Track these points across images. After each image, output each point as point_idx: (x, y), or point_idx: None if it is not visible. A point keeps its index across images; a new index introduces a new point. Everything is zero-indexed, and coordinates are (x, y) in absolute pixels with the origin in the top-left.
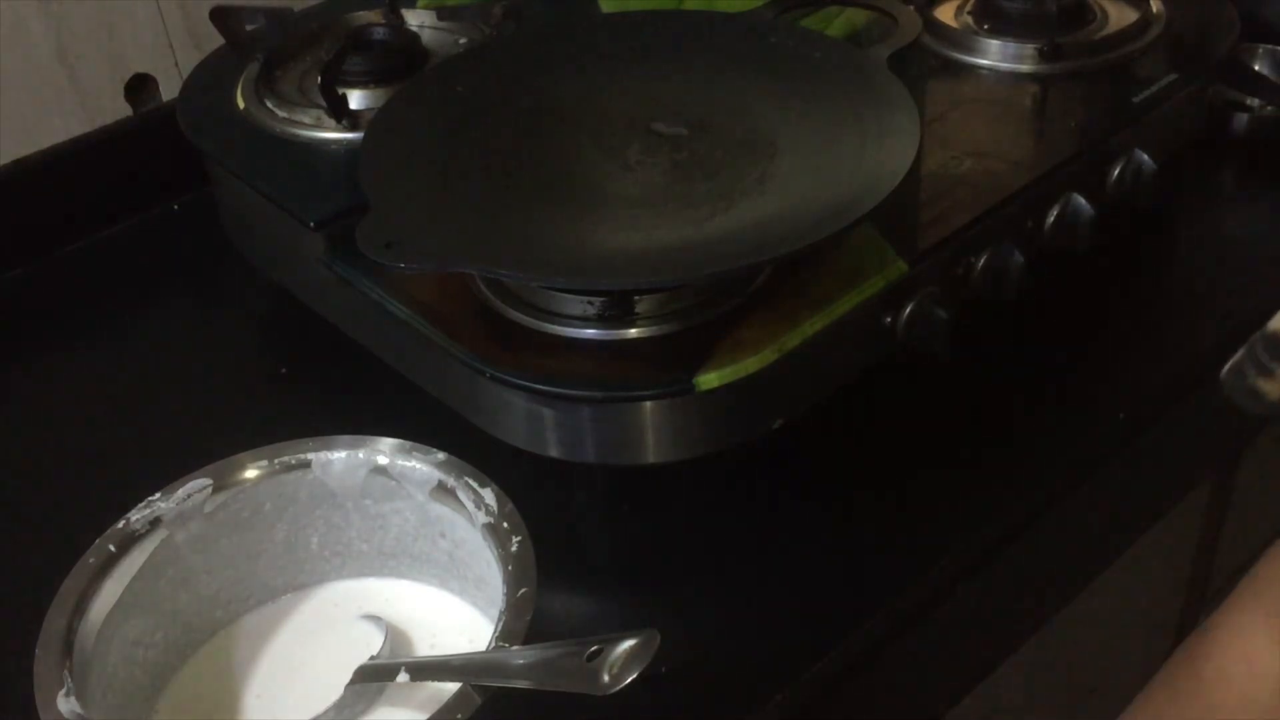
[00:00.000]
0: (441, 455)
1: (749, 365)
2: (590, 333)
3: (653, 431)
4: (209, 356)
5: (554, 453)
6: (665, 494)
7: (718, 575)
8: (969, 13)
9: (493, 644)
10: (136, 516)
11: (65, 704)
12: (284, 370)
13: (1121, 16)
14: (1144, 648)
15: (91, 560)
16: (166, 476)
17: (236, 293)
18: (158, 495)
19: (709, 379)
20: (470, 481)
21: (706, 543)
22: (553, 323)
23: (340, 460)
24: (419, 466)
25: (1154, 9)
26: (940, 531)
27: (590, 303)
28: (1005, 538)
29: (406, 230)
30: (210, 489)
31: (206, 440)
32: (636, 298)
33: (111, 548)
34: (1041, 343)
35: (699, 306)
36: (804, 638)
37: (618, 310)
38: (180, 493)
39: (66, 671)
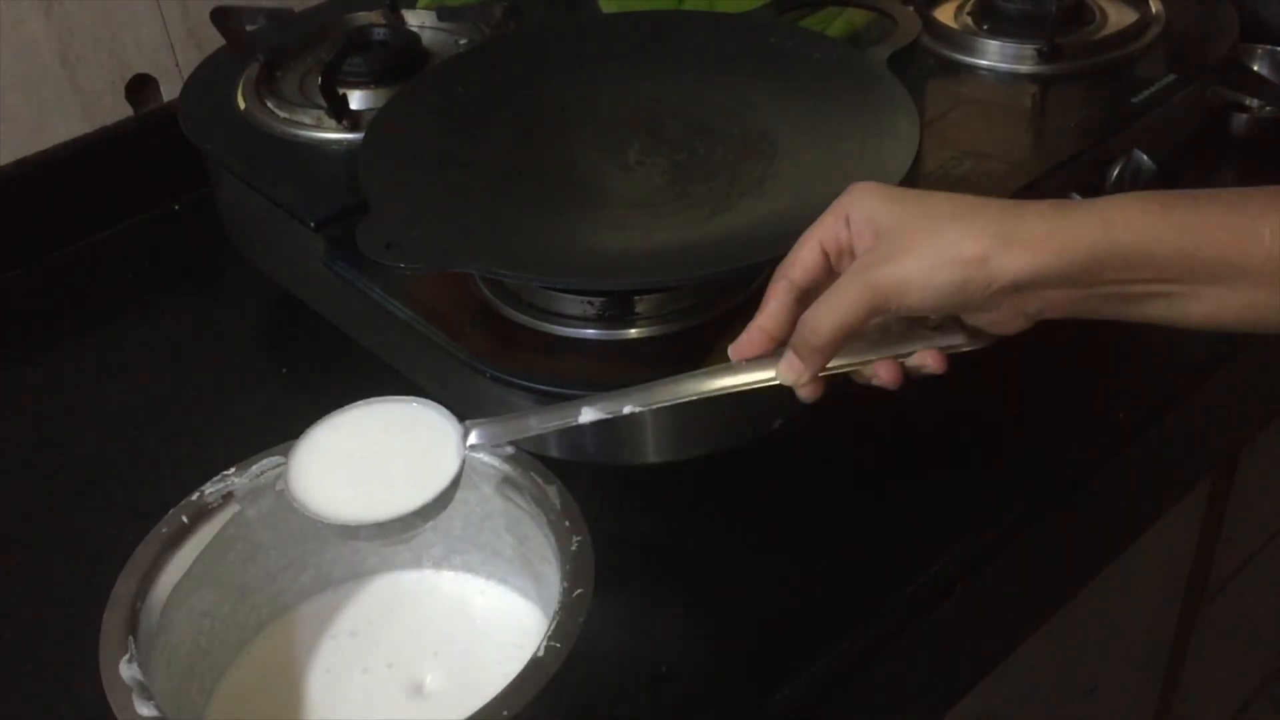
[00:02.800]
0: (510, 449)
1: None
2: (590, 333)
3: (653, 431)
4: (209, 357)
5: (554, 453)
6: (665, 494)
7: (718, 575)
8: (968, 13)
9: (544, 643)
10: (210, 490)
11: (126, 670)
12: (285, 370)
13: (1121, 17)
14: (1144, 648)
15: (164, 530)
16: (165, 477)
17: (236, 293)
18: (232, 470)
19: None
20: (536, 477)
21: (707, 543)
22: (553, 323)
23: None
24: (486, 458)
25: (1153, 9)
26: (940, 531)
27: (590, 303)
28: (1005, 538)
29: (406, 230)
30: (284, 466)
31: (207, 441)
32: (636, 298)
33: (184, 519)
34: (1040, 343)
35: (699, 306)
36: (804, 638)
37: (618, 310)
38: (254, 469)
39: (130, 637)
